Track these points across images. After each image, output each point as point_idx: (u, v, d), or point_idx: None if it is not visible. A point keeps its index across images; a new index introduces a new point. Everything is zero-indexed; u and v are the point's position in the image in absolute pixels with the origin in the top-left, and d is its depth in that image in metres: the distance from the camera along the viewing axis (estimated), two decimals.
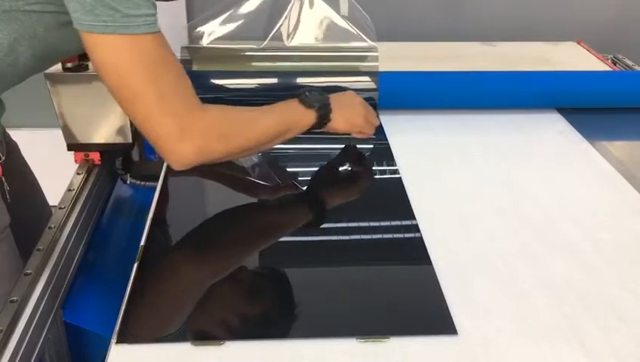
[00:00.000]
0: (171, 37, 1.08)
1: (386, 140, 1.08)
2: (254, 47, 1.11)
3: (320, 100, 0.91)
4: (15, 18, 0.76)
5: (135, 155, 1.20)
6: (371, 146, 1.08)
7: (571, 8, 1.75)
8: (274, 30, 1.09)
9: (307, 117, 0.90)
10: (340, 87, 1.09)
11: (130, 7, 0.69)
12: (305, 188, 0.94)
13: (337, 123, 0.93)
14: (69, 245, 0.92)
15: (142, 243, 0.81)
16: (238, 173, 0.96)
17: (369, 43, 1.11)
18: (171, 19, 1.45)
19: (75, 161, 1.08)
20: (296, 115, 0.89)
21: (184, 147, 0.75)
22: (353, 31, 1.10)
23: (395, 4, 1.70)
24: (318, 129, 0.92)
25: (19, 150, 1.06)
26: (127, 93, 0.73)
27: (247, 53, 1.12)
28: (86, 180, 1.05)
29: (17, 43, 0.78)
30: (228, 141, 0.80)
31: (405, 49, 1.45)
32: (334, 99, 0.94)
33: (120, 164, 1.10)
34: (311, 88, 0.93)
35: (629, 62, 1.44)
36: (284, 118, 0.88)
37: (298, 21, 1.10)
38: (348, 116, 0.95)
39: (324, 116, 0.91)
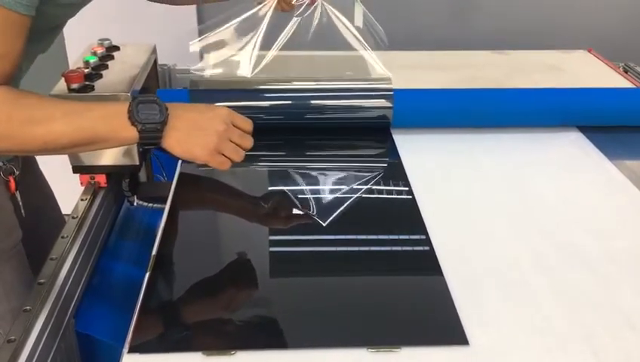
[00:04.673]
0: (183, 39, 1.09)
1: (399, 158, 1.06)
2: (262, 77, 1.09)
3: (147, 119, 0.78)
4: None
5: (142, 176, 1.17)
6: (384, 163, 1.08)
7: (582, 16, 1.75)
8: (283, 38, 1.08)
9: (128, 132, 0.78)
10: (352, 106, 1.10)
11: None
12: (322, 221, 0.88)
13: (172, 148, 0.81)
14: (82, 254, 0.93)
15: (153, 252, 0.81)
16: (250, 204, 0.95)
17: (383, 73, 1.10)
18: (182, 23, 1.47)
19: (81, 183, 1.03)
20: (114, 127, 0.78)
21: None
22: (364, 46, 1.08)
23: (406, 12, 1.71)
24: (151, 146, 0.82)
25: (35, 161, 1.07)
26: None
27: (255, 87, 1.10)
28: (95, 194, 1.05)
29: None
30: None
31: (416, 57, 1.45)
32: (180, 118, 0.81)
33: (127, 186, 1.06)
34: (151, 99, 0.80)
35: None
36: (94, 126, 0.77)
37: (309, 31, 1.09)
38: (188, 144, 0.82)
39: (150, 138, 0.79)
